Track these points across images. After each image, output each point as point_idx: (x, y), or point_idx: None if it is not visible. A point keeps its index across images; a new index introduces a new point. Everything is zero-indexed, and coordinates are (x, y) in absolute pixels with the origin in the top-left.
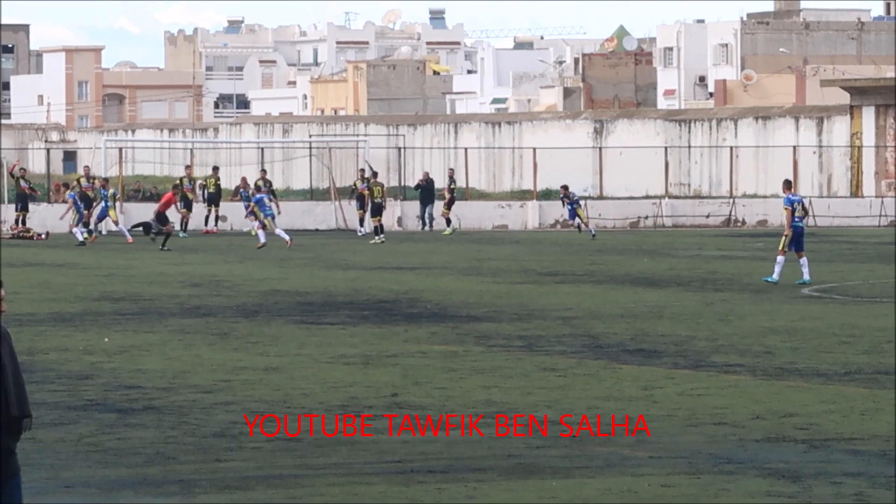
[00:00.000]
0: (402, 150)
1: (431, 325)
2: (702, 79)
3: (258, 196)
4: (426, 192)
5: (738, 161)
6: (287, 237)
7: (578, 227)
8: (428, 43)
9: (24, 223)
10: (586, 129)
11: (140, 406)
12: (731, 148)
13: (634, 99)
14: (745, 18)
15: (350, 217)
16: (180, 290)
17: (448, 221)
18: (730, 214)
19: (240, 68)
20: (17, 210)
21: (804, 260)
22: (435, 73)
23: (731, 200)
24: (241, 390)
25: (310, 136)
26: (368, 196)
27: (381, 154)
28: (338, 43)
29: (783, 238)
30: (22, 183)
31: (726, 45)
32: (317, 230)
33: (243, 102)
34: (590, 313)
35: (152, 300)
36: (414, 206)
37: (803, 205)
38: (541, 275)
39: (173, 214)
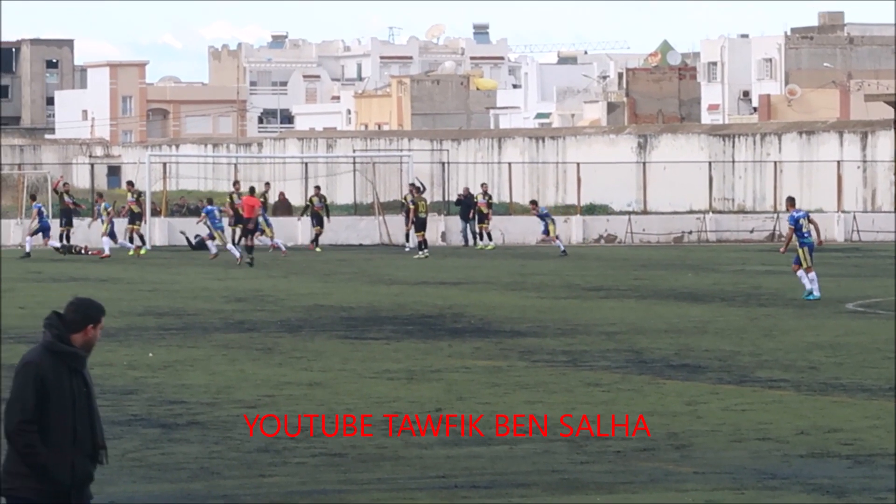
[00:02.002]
0: (446, 165)
1: (475, 340)
2: (746, 93)
3: (208, 208)
4: (466, 207)
5: (783, 176)
6: (237, 253)
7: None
8: (472, 58)
9: (68, 238)
10: (630, 144)
11: (184, 421)
12: (776, 163)
13: (678, 114)
14: (789, 33)
15: (394, 232)
16: (224, 305)
17: (489, 236)
18: (774, 229)
19: (284, 83)
20: (61, 225)
21: (801, 273)
22: (478, 88)
23: (776, 215)
24: (285, 405)
25: (353, 151)
26: (413, 211)
27: (425, 169)
28: (381, 58)
29: (802, 258)
30: (66, 198)
31: (770, 59)
32: (361, 245)
33: (287, 117)
34: (634, 328)
35: (196, 315)
36: (458, 222)
37: (809, 218)
38: (585, 290)
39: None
